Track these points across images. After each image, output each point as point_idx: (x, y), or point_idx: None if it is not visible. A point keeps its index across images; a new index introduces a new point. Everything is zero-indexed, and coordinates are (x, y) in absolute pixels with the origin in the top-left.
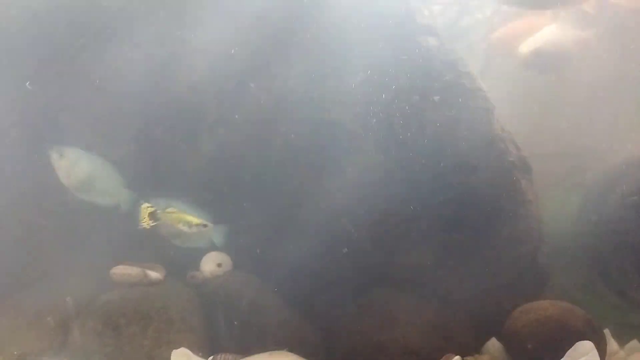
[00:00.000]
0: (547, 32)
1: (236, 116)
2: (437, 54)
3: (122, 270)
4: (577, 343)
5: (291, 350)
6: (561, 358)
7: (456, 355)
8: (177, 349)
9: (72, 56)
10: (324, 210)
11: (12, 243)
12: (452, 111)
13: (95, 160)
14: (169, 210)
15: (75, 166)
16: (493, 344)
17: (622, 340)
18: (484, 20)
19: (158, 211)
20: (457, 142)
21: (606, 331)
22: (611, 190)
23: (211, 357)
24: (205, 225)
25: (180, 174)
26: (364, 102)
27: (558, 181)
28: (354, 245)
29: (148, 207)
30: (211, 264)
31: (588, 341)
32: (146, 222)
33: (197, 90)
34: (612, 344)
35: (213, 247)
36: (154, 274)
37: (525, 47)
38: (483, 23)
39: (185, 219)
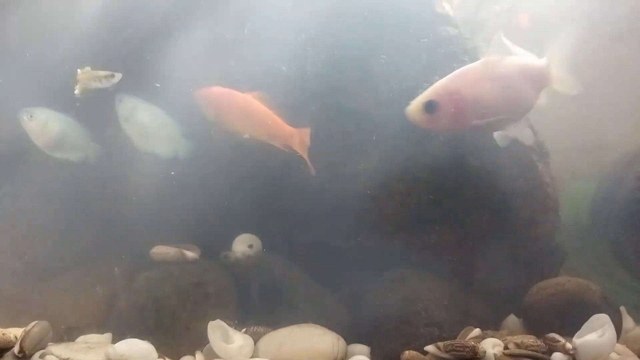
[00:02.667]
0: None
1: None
2: (456, 42)
3: (161, 250)
4: (593, 316)
5: (318, 323)
6: (578, 331)
7: (476, 328)
8: (212, 321)
9: None
10: (349, 193)
11: (58, 227)
12: None
13: (63, 118)
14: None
15: (46, 126)
16: (512, 319)
17: (638, 320)
18: (501, 12)
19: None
20: None
21: (622, 308)
22: (625, 174)
23: (244, 329)
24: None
25: None
26: (387, 89)
27: (576, 172)
28: (379, 226)
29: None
30: (243, 245)
31: (604, 314)
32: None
33: None
34: (628, 321)
35: (176, 159)
36: (190, 254)
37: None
38: (500, 15)
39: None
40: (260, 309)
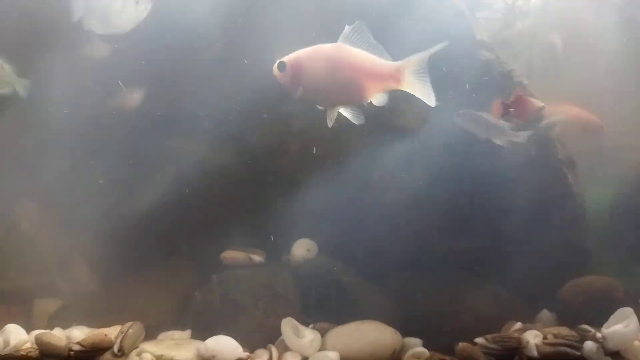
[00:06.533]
0: None
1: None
2: (494, 66)
3: (231, 254)
4: (618, 309)
5: (375, 319)
6: (605, 322)
7: (517, 322)
8: (284, 318)
9: None
10: (397, 204)
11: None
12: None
13: None
14: None
15: None
16: (545, 314)
17: None
18: (525, 30)
19: None
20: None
21: None
22: None
23: (311, 325)
24: None
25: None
26: (430, 110)
27: (596, 173)
28: (424, 233)
29: None
30: (302, 249)
31: (628, 307)
32: None
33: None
34: None
35: (17, 96)
36: (256, 257)
37: None
38: (525, 33)
39: None
40: (322, 307)
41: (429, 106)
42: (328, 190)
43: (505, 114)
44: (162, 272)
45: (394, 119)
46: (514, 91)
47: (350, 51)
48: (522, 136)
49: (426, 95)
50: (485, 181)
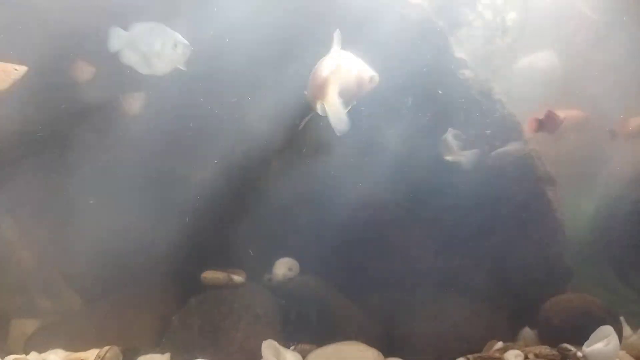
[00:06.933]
0: None
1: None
2: (473, 84)
3: (212, 275)
4: (599, 328)
5: (357, 340)
6: (586, 341)
7: (499, 341)
8: (264, 340)
9: None
10: (378, 223)
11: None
12: (488, 133)
13: None
14: None
15: None
16: (527, 332)
17: (634, 327)
18: (505, 47)
19: None
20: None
21: (621, 318)
22: (622, 197)
23: (292, 347)
24: None
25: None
26: (410, 127)
27: (573, 186)
28: (406, 252)
29: None
30: (283, 268)
31: (608, 326)
32: None
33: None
34: (626, 329)
35: None
36: (237, 278)
37: None
38: (505, 50)
39: None
40: (304, 327)
41: None
42: (310, 208)
43: (539, 129)
44: (141, 293)
45: (375, 136)
46: (545, 107)
47: (329, 57)
48: (467, 155)
49: (336, 119)
50: (466, 200)
